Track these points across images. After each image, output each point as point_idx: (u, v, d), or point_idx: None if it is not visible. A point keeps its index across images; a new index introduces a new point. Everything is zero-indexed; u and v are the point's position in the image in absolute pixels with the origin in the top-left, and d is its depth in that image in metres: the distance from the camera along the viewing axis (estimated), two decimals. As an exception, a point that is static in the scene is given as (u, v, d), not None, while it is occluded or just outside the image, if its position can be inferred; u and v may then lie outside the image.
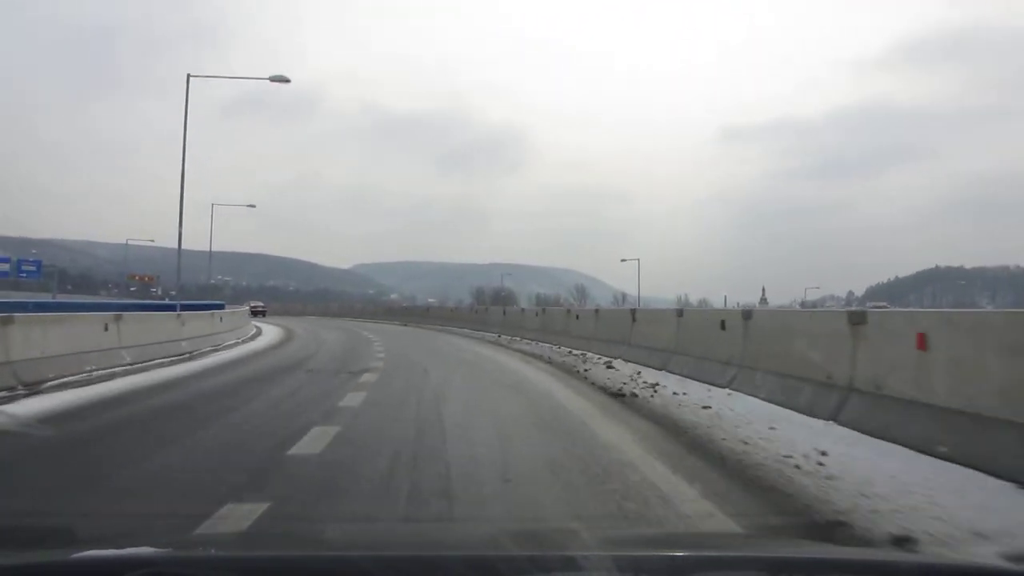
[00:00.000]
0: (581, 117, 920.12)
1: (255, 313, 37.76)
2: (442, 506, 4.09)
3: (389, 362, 13.95)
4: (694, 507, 4.10)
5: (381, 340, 21.83)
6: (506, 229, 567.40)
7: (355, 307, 50.31)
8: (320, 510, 4.05)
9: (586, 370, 11.84)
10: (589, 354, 14.78)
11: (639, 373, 11.00)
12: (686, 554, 1.90)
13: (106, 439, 6.20)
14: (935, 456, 4.89)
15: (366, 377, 10.85)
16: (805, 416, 6.67)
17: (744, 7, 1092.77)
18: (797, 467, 4.85)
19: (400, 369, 12.54)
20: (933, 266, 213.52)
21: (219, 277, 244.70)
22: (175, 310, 20.61)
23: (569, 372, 11.98)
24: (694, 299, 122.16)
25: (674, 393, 8.60)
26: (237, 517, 3.67)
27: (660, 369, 11.36)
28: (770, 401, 7.55)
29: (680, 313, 11.50)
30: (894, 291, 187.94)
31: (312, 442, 5.70)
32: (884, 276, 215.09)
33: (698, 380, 9.70)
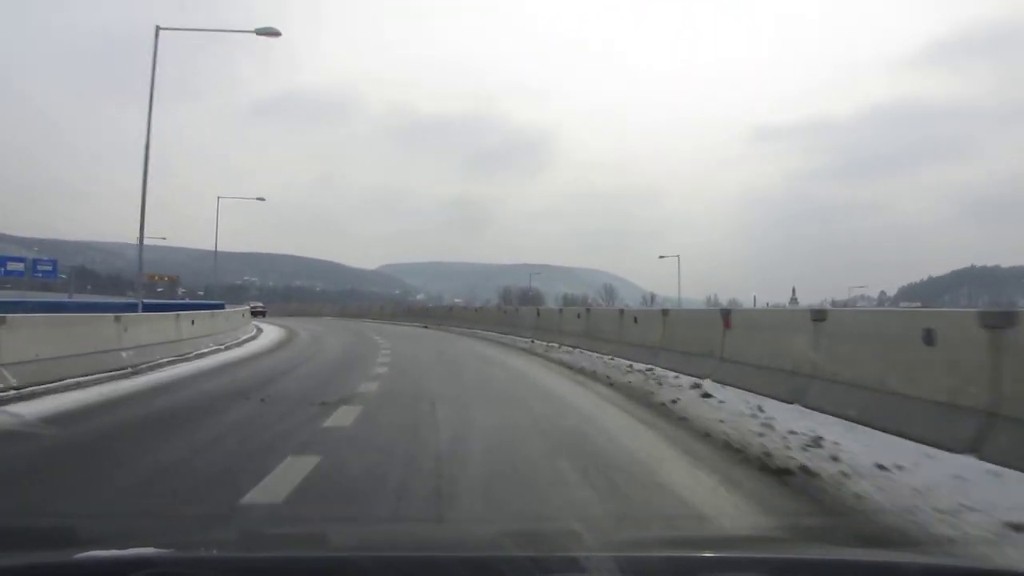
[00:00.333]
0: (610, 117, 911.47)
1: (255, 314, 36.43)
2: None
3: (387, 384, 10.06)
4: None
5: (391, 347, 18.06)
6: (533, 230, 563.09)
7: (373, 308, 46.54)
8: None
9: (672, 401, 7.85)
10: (657, 370, 10.84)
11: (761, 408, 7.02)
12: (688, 555, 1.92)
13: None
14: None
15: (339, 416, 6.94)
16: None
17: (774, 6, 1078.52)
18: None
19: (397, 399, 8.64)
20: (969, 265, 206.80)
21: (246, 278, 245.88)
22: (184, 310, 18.36)
23: (647, 404, 7.97)
24: (723, 299, 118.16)
25: (880, 467, 4.58)
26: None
27: (790, 402, 7.38)
28: None
29: (820, 316, 7.41)
30: (928, 291, 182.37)
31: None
32: (918, 276, 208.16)
33: (878, 427, 5.77)
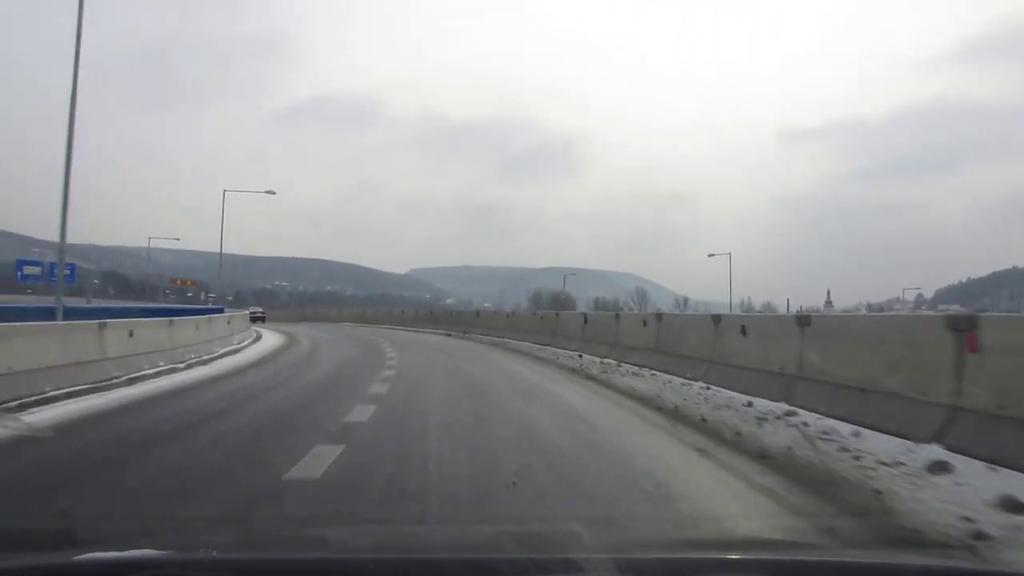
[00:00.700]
0: (640, 120, 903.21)
1: (254, 319, 34.36)
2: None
3: (361, 448, 5.70)
4: None
5: (399, 364, 13.94)
6: (563, 233, 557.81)
7: (394, 312, 42.16)
8: None
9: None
10: (805, 415, 6.53)
11: None
12: (687, 557, 1.90)
13: None
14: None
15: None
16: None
17: (805, 7, 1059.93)
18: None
19: (362, 491, 4.41)
20: (1010, 267, 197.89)
21: (277, 282, 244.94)
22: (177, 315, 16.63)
23: (876, 521, 3.73)
24: (757, 303, 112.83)
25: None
26: None
27: None
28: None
29: None
30: (967, 293, 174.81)
31: None
32: (956, 277, 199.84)
33: None
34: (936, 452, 4.81)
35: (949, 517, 3.59)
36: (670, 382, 10.13)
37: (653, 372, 11.36)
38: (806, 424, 6.29)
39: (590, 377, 11.39)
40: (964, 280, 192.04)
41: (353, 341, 23.24)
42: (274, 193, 39.14)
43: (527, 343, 20.38)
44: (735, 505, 4.22)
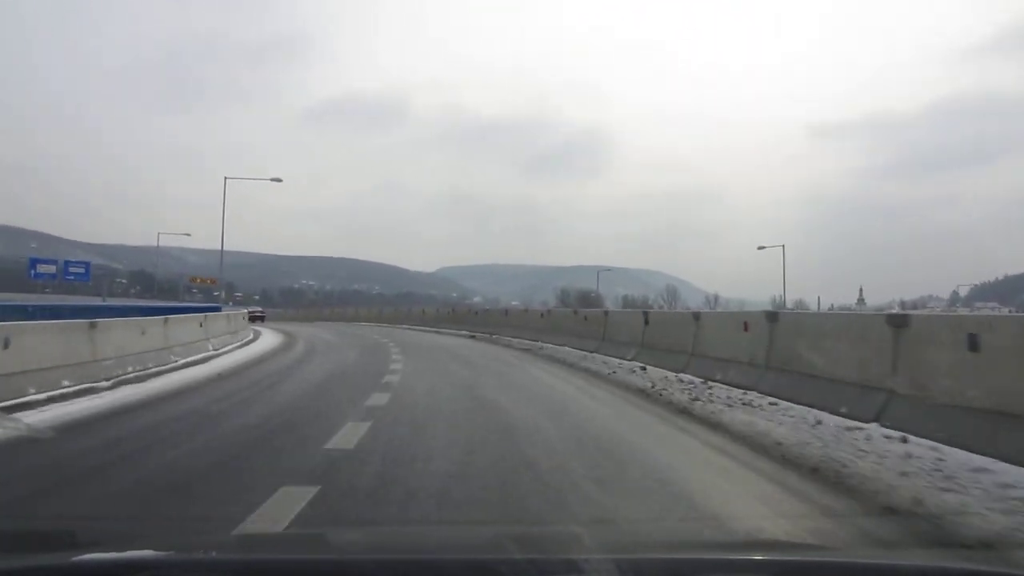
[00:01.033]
0: (667, 117, 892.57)
1: (254, 318, 31.65)
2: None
3: None
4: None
5: (401, 380, 10.29)
6: (590, 231, 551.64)
7: (413, 311, 37.58)
8: None
9: None
10: None
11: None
12: (688, 557, 1.88)
13: None
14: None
15: None
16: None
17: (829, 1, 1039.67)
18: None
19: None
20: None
21: (304, 281, 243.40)
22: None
23: None
24: (788, 301, 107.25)
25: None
26: None
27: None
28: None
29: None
30: (1003, 290, 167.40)
31: None
32: (992, 274, 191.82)
33: None
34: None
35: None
36: (819, 422, 6.22)
37: (772, 400, 7.47)
38: None
39: (682, 410, 7.41)
40: (1000, 277, 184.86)
41: (358, 345, 19.53)
42: (280, 180, 35.61)
43: (567, 348, 16.51)
44: None
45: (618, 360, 12.71)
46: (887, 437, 5.55)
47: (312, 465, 4.79)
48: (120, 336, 11.26)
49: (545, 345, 17.80)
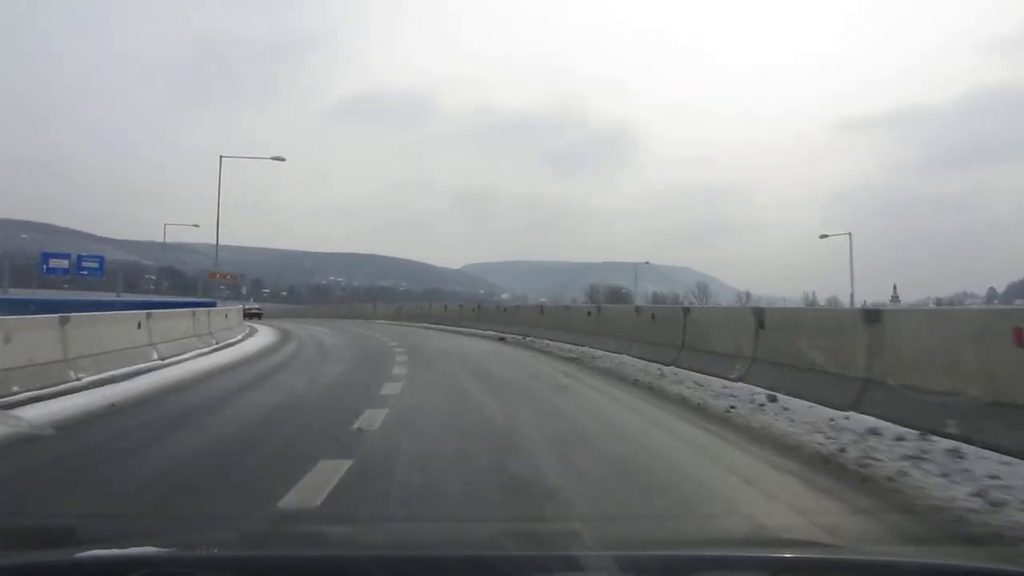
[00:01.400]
0: (696, 112, 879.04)
1: (251, 315, 27.96)
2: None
3: None
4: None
5: (392, 417, 6.26)
6: (618, 228, 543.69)
7: (434, 309, 32.54)
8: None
9: None
10: None
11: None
12: (687, 554, 1.85)
13: None
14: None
15: None
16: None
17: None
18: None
19: None
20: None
21: (332, 278, 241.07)
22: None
23: None
24: (821, 298, 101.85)
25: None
26: None
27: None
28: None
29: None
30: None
31: None
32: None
33: None
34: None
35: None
36: None
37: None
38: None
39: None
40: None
41: (357, 352, 15.52)
42: (283, 159, 31.80)
43: (627, 357, 12.37)
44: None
45: (721, 381, 8.53)
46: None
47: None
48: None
49: (596, 352, 13.60)
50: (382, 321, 35.84)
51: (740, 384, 8.32)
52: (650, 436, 6.03)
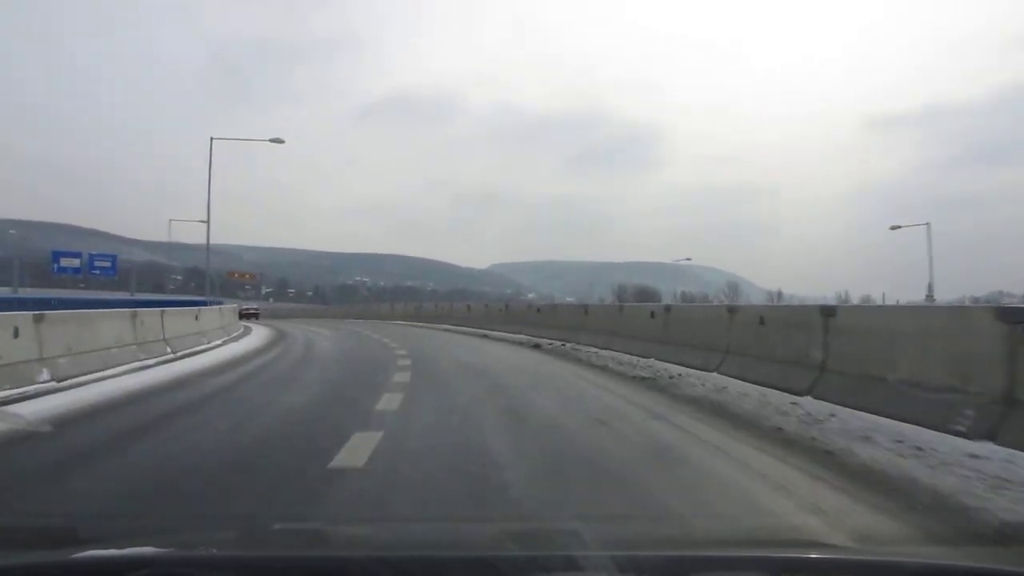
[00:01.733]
0: (721, 111, 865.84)
1: (247, 315, 25.70)
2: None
3: None
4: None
5: None
6: (645, 227, 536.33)
7: (456, 310, 28.36)
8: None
9: None
10: None
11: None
12: (687, 554, 1.79)
13: None
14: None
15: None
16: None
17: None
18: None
19: None
20: None
21: (358, 278, 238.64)
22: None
23: None
24: (855, 296, 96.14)
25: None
26: None
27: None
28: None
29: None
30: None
31: None
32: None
33: None
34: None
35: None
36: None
37: None
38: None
39: None
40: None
41: (354, 361, 11.79)
42: (283, 142, 28.09)
43: (721, 376, 8.43)
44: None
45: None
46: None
47: None
48: None
49: (671, 368, 9.66)
50: (400, 322, 32.02)
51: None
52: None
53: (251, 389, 8.73)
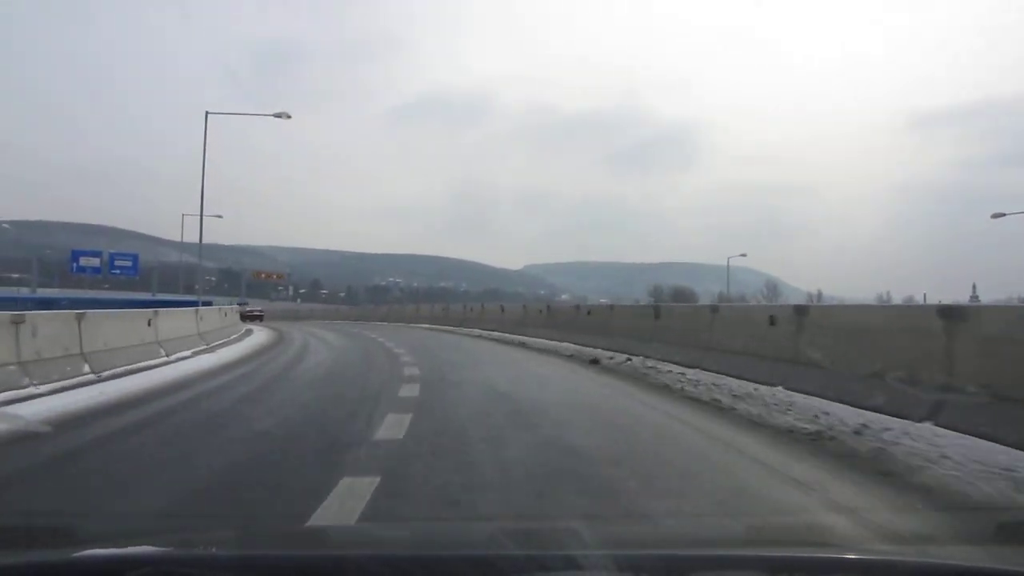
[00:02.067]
0: (759, 110, 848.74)
1: (250, 318, 25.96)
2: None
3: None
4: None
5: None
6: (680, 227, 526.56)
7: (487, 312, 24.86)
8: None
9: None
10: None
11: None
12: (686, 553, 1.76)
13: None
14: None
15: None
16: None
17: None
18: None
19: None
20: None
21: (391, 279, 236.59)
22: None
23: None
24: (897, 296, 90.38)
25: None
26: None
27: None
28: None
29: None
30: None
31: None
32: None
33: None
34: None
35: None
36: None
37: None
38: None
39: None
40: None
41: (344, 385, 8.17)
42: (290, 117, 24.72)
43: (956, 436, 4.52)
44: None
45: None
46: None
47: None
48: None
49: (838, 412, 5.79)
50: (425, 325, 28.37)
51: None
52: None
53: (217, 407, 5.18)
